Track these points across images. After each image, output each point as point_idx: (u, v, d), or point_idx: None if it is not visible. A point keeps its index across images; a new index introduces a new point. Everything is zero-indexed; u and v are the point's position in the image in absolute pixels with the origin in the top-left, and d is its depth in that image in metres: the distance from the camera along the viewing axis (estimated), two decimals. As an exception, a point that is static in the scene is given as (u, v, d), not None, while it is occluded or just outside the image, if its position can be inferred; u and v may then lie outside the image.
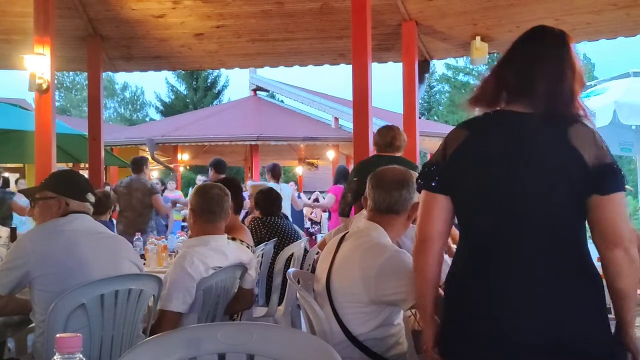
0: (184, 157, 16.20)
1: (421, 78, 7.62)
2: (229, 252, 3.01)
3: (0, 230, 5.70)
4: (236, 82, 38.03)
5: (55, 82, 6.47)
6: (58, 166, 6.66)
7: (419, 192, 1.94)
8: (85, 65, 7.73)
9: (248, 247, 3.72)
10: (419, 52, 7.45)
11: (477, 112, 1.89)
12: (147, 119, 38.72)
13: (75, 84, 39.65)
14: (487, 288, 1.75)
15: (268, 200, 5.08)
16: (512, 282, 1.72)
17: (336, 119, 16.36)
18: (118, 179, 10.04)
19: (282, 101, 22.67)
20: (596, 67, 32.85)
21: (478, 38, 7.01)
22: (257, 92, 19.13)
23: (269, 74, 19.62)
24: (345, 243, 2.47)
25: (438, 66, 36.85)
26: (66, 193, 2.72)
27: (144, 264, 3.90)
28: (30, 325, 2.89)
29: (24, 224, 8.11)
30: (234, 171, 21.06)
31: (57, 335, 1.16)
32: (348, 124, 14.29)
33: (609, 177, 1.68)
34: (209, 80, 36.30)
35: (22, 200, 7.61)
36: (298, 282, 2.80)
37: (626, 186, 1.73)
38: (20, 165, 12.58)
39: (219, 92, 36.90)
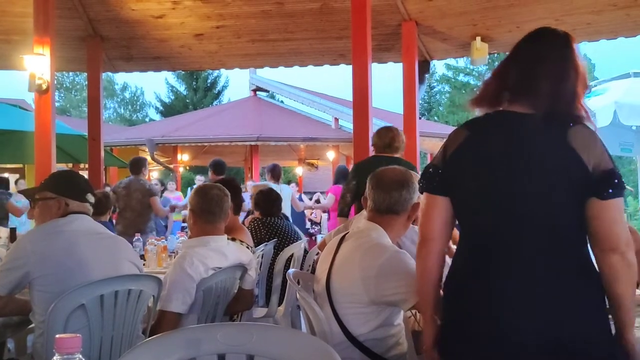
0: (183, 157, 16.20)
1: (421, 78, 7.62)
2: (228, 253, 3.01)
3: (0, 231, 5.70)
4: (236, 83, 38.07)
5: (55, 82, 6.47)
6: (58, 167, 6.66)
7: (421, 193, 1.95)
8: (85, 65, 7.74)
9: (248, 247, 3.72)
10: (419, 53, 7.45)
11: (478, 112, 1.89)
12: (147, 119, 38.72)
13: (75, 84, 39.64)
14: (487, 288, 1.75)
15: (268, 200, 5.08)
16: (512, 282, 1.72)
17: (336, 119, 16.37)
18: (118, 179, 10.02)
19: (282, 102, 22.65)
20: (596, 67, 32.80)
21: (478, 38, 7.01)
22: (257, 92, 19.13)
23: (269, 75, 19.67)
24: (345, 243, 2.47)
25: (438, 66, 36.85)
26: (66, 193, 2.72)
27: (144, 264, 3.90)
28: (30, 326, 2.89)
29: (24, 224, 8.10)
30: (234, 172, 21.07)
31: (57, 336, 1.16)
32: (348, 124, 14.29)
33: (609, 182, 1.68)
34: (209, 81, 36.26)
35: (18, 202, 7.60)
36: (298, 282, 2.80)
37: (626, 187, 1.73)
38: (20, 165, 12.58)
39: (219, 93, 36.87)
